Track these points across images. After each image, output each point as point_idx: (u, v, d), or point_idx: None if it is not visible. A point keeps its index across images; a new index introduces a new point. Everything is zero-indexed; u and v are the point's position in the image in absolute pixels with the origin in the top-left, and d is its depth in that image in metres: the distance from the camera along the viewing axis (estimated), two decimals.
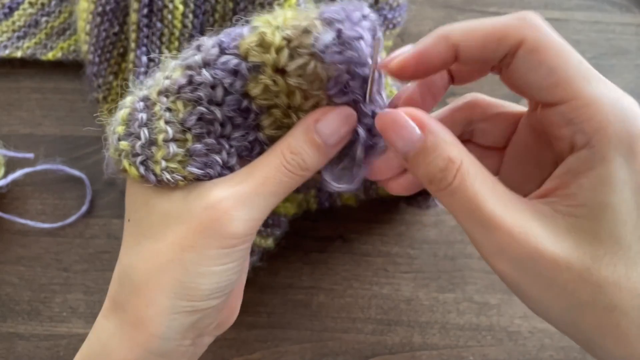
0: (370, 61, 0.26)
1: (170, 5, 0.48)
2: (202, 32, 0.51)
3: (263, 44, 0.27)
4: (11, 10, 0.55)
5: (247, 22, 0.29)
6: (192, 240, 0.27)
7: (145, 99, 0.29)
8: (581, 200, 0.23)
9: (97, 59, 0.51)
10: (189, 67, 0.28)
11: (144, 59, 0.49)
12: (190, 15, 0.49)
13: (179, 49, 0.50)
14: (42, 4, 0.55)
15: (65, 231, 0.48)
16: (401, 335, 0.44)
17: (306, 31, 0.26)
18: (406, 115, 0.26)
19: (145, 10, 0.48)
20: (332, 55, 0.26)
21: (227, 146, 0.29)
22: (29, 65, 0.54)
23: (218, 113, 0.28)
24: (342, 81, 0.27)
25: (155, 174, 0.28)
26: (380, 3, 0.51)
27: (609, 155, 0.23)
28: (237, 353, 0.44)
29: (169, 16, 0.48)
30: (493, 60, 0.26)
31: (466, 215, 0.25)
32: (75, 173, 0.49)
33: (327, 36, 0.25)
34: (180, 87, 0.28)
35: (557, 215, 0.24)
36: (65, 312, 0.46)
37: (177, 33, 0.49)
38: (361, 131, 0.28)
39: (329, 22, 0.26)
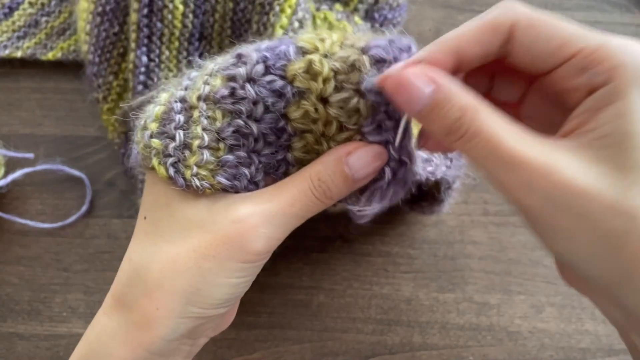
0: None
1: (171, 5, 0.48)
2: (202, 32, 0.51)
3: (310, 72, 0.27)
4: (11, 10, 0.55)
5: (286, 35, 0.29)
6: (215, 251, 0.27)
7: (183, 100, 0.29)
8: (604, 132, 0.23)
9: (97, 59, 0.51)
10: (231, 79, 0.28)
11: (144, 59, 0.49)
12: (191, 15, 0.49)
13: (179, 49, 0.50)
14: (42, 4, 0.55)
15: (65, 231, 0.48)
16: (401, 335, 0.44)
17: (354, 67, 0.27)
18: (411, 76, 0.25)
19: (145, 10, 0.48)
20: (376, 96, 0.26)
21: (256, 161, 0.29)
22: (29, 65, 0.54)
23: (255, 128, 0.28)
24: (378, 120, 0.27)
25: (185, 178, 0.28)
26: (380, 3, 0.51)
27: (628, 89, 0.23)
28: (237, 353, 0.44)
29: (169, 16, 0.48)
30: (493, 52, 0.26)
31: (488, 157, 0.24)
32: (75, 173, 0.49)
33: (374, 79, 0.26)
34: (222, 98, 0.28)
35: (581, 148, 0.23)
36: (65, 312, 0.46)
37: (177, 33, 0.49)
38: (387, 171, 0.29)
39: (376, 62, 0.26)
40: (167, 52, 0.49)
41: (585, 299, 0.45)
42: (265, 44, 0.29)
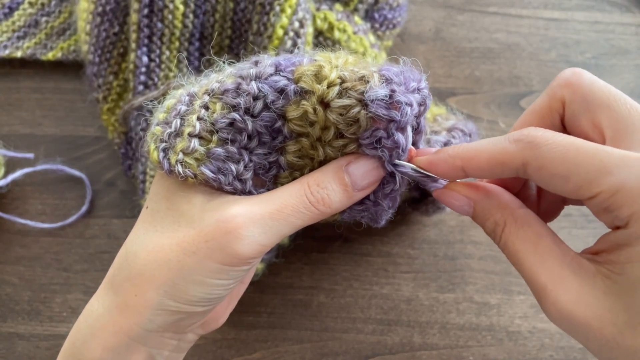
0: (409, 130, 0.28)
1: (171, 6, 0.48)
2: (202, 32, 0.51)
3: (318, 75, 0.28)
4: (11, 10, 0.55)
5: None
6: (196, 247, 0.27)
7: (192, 94, 0.30)
8: (621, 270, 0.24)
9: (97, 59, 0.51)
10: (241, 77, 0.29)
11: (145, 59, 0.49)
12: (191, 15, 0.49)
13: (179, 49, 0.50)
14: (42, 4, 0.55)
15: (65, 231, 0.48)
16: (401, 335, 0.44)
17: (362, 79, 0.27)
18: (454, 192, 0.29)
19: (145, 11, 0.48)
20: (378, 108, 0.27)
21: (246, 159, 0.29)
22: (29, 65, 0.54)
23: (250, 124, 0.29)
24: (376, 135, 0.28)
25: (169, 163, 0.28)
26: (380, 3, 0.51)
27: None
28: (237, 353, 0.44)
29: (170, 16, 0.48)
30: (510, 176, 0.27)
31: (514, 263, 0.28)
32: (75, 173, 0.49)
33: (381, 91, 0.27)
34: (225, 91, 0.29)
35: (598, 276, 0.25)
36: (65, 312, 0.46)
37: (177, 33, 0.49)
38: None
39: (386, 79, 0.27)
40: (167, 52, 0.49)
41: None
42: (285, 58, 0.30)
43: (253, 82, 0.28)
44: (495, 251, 0.47)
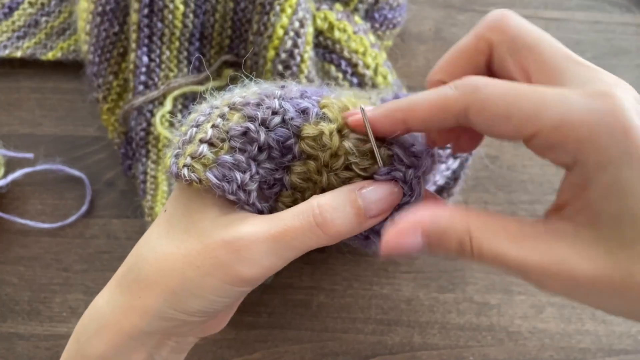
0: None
1: (171, 5, 0.48)
2: (202, 32, 0.51)
3: (344, 110, 0.29)
4: (11, 10, 0.55)
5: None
6: (201, 262, 0.27)
7: (213, 107, 0.30)
8: (595, 211, 0.23)
9: (97, 59, 0.51)
10: (265, 95, 0.29)
11: (145, 59, 0.49)
12: (191, 15, 0.49)
13: (179, 49, 0.50)
14: (42, 4, 0.55)
15: (65, 231, 0.48)
16: (401, 335, 0.44)
17: (365, 155, 0.28)
18: (395, 233, 0.26)
19: (145, 11, 0.48)
20: (400, 151, 0.28)
21: (253, 170, 0.29)
22: (28, 65, 0.54)
23: (262, 135, 0.29)
24: (393, 176, 0.28)
25: (177, 167, 0.29)
26: (380, 3, 0.51)
27: (601, 167, 0.23)
28: (237, 353, 0.44)
29: (170, 16, 0.48)
30: (448, 126, 0.27)
31: (501, 268, 0.25)
32: (75, 173, 0.49)
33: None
34: (247, 104, 0.29)
35: (579, 230, 0.24)
36: (65, 312, 0.46)
37: (177, 33, 0.49)
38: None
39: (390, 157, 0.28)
40: (167, 52, 0.49)
41: None
42: (311, 88, 0.31)
43: (276, 100, 0.29)
44: None
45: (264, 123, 0.29)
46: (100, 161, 0.51)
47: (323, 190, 0.30)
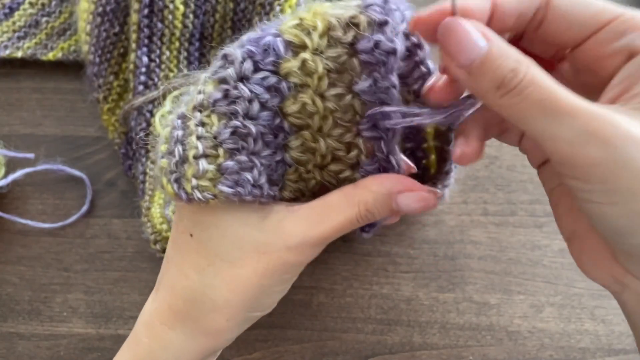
0: (394, 80, 0.27)
1: (171, 6, 0.48)
2: (202, 33, 0.51)
3: (304, 69, 0.27)
4: (11, 10, 0.55)
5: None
6: (273, 270, 0.30)
7: (182, 116, 0.29)
8: None
9: (97, 59, 0.51)
10: (222, 81, 0.28)
11: (145, 59, 0.49)
12: (191, 16, 0.50)
13: (179, 49, 0.50)
14: (43, 4, 0.55)
15: (65, 231, 0.49)
16: (401, 335, 0.44)
17: (345, 68, 0.27)
18: (467, 26, 0.24)
19: (145, 11, 0.48)
20: (365, 90, 0.27)
21: (258, 164, 0.29)
22: (29, 65, 0.54)
23: (252, 128, 0.28)
24: (374, 118, 0.28)
25: (186, 192, 0.28)
26: None
27: None
28: (237, 353, 0.44)
29: (170, 16, 0.49)
30: (528, 14, 0.27)
31: (540, 109, 0.23)
32: (76, 173, 0.49)
33: (364, 83, 0.27)
34: (216, 101, 0.28)
35: (634, 112, 0.23)
36: (66, 312, 0.46)
37: (177, 33, 0.49)
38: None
39: (364, 64, 0.27)
40: (167, 53, 0.49)
41: (585, 298, 0.45)
42: (247, 36, 0.28)
43: (241, 85, 0.27)
44: (495, 251, 0.47)
45: (246, 115, 0.28)
46: (101, 161, 0.51)
47: (324, 156, 0.30)
